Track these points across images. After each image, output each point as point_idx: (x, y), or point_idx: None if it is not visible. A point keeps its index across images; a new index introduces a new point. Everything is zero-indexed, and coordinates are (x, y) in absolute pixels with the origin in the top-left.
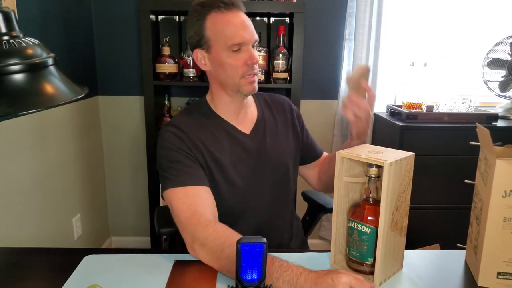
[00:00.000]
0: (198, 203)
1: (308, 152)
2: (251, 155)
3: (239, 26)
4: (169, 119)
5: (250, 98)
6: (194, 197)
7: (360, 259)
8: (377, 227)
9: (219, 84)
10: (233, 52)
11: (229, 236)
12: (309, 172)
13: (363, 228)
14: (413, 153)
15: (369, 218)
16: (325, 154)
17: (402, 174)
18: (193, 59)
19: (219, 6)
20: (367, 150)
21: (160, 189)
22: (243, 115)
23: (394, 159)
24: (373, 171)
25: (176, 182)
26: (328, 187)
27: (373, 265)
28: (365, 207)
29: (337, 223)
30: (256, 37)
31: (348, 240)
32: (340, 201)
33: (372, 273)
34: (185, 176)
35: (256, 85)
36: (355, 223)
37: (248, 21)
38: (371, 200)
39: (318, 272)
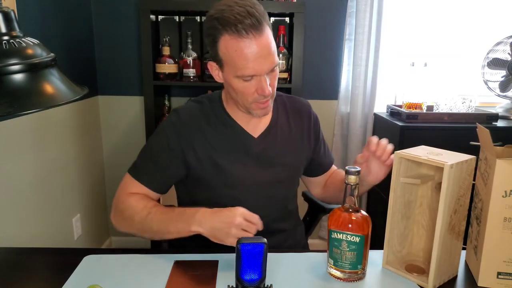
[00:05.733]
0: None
1: (316, 165)
2: (255, 159)
3: (252, 57)
4: None
5: None
6: (136, 192)
7: (350, 269)
8: (364, 235)
9: (231, 97)
10: (244, 80)
11: (142, 204)
12: (312, 182)
13: (353, 238)
14: (475, 157)
15: (356, 227)
16: (333, 168)
17: (462, 177)
18: (193, 59)
19: (233, 29)
20: (426, 152)
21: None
22: (257, 119)
23: (455, 161)
24: (352, 179)
25: (137, 174)
26: (330, 200)
27: (361, 272)
28: (351, 216)
29: (392, 223)
30: (275, 62)
31: (334, 252)
32: (396, 201)
33: (360, 279)
34: (146, 170)
35: (269, 108)
36: (343, 234)
37: (266, 48)
38: (350, 209)
39: (214, 209)
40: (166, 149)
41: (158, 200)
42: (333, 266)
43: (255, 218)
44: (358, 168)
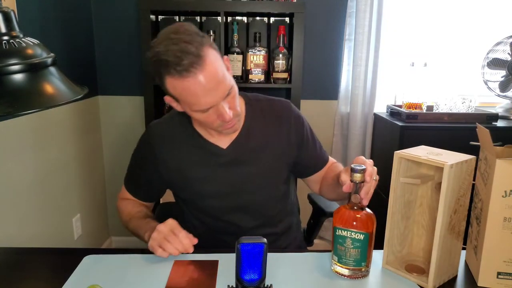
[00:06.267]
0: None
1: (304, 167)
2: (225, 170)
3: (201, 92)
4: None
5: None
6: (128, 198)
7: (354, 266)
8: (369, 232)
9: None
10: (202, 112)
11: (128, 210)
12: (307, 181)
13: (357, 235)
14: (474, 157)
15: (361, 224)
16: (331, 161)
17: (462, 177)
18: None
19: (173, 72)
20: (426, 152)
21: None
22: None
23: (455, 161)
24: (357, 177)
25: (125, 184)
26: (328, 198)
27: (365, 269)
28: (356, 214)
29: (392, 223)
30: (227, 87)
31: (338, 249)
32: (396, 201)
33: (364, 276)
34: (131, 181)
35: (237, 126)
36: (348, 231)
37: (213, 79)
38: (355, 207)
39: None
40: (141, 164)
41: (157, 204)
42: (337, 263)
43: (180, 232)
44: (363, 166)
